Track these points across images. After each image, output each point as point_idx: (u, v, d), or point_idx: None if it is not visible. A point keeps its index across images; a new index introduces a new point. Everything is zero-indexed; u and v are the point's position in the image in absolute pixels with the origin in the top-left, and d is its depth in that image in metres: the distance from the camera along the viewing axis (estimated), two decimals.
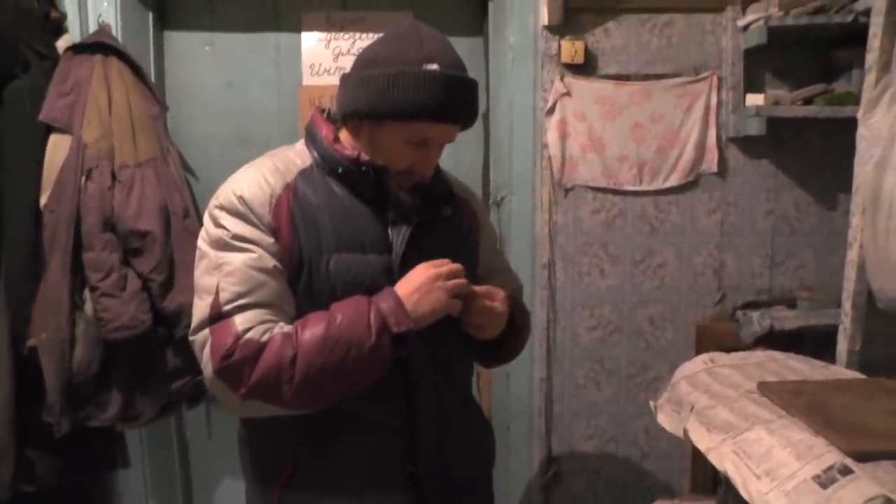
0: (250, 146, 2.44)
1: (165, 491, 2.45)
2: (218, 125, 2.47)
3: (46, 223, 1.94)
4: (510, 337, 1.49)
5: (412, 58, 1.26)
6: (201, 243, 1.32)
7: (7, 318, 1.87)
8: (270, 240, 1.28)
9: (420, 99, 1.24)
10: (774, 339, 2.22)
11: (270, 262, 1.27)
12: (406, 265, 1.33)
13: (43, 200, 1.95)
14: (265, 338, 1.23)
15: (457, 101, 1.28)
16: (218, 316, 1.25)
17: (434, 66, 1.25)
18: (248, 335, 1.22)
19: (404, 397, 1.36)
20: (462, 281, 1.30)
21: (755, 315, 2.28)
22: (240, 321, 1.23)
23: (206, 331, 1.25)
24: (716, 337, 2.32)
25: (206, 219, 1.33)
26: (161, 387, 2.08)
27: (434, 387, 1.39)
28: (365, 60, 1.32)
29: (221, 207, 1.30)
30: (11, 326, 1.88)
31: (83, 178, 1.95)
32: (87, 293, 1.97)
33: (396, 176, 1.34)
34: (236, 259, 1.26)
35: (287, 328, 1.25)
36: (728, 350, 1.84)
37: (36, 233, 1.95)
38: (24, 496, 1.93)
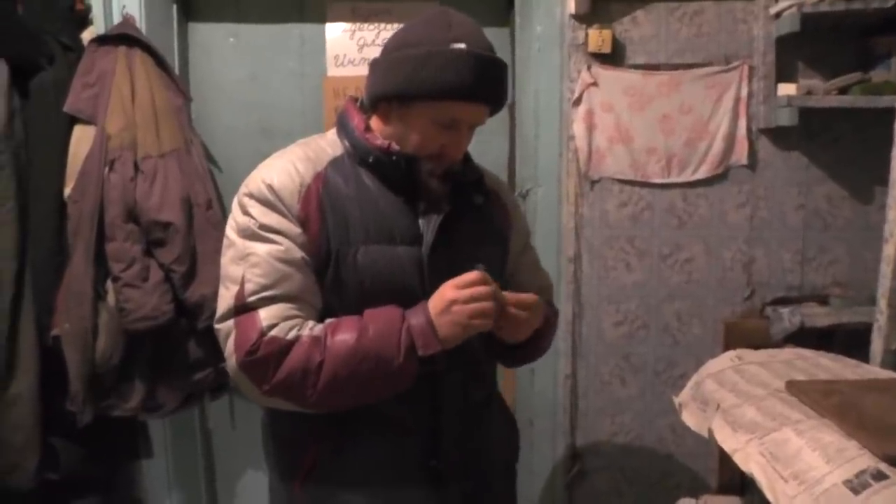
0: (274, 138, 2.43)
1: (188, 481, 2.47)
2: (241, 117, 2.47)
3: (70, 214, 1.95)
4: (536, 339, 1.46)
5: (441, 38, 1.26)
6: (229, 231, 1.32)
7: (32, 308, 1.88)
8: (298, 230, 1.27)
9: (448, 78, 1.24)
10: (805, 337, 2.17)
11: (297, 254, 1.26)
12: (436, 256, 1.32)
13: (67, 191, 1.96)
14: (291, 335, 1.22)
15: (485, 81, 1.27)
16: (243, 307, 1.25)
17: (462, 46, 1.25)
18: (273, 332, 1.22)
19: (428, 393, 1.34)
20: (489, 305, 1.25)
21: (785, 312, 2.23)
22: (265, 315, 1.23)
23: (231, 321, 1.26)
24: (744, 334, 2.27)
25: (235, 206, 1.32)
26: (183, 378, 2.08)
27: (459, 382, 1.38)
28: (394, 44, 1.32)
29: (250, 195, 1.30)
30: (37, 316, 1.89)
31: (106, 169, 1.96)
32: (109, 284, 1.98)
33: (427, 163, 1.32)
34: (262, 250, 1.26)
35: (316, 330, 1.25)
36: (757, 347, 1.80)
37: (60, 224, 1.95)
38: (49, 484, 1.93)
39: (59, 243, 1.95)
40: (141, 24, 2.20)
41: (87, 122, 1.98)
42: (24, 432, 1.85)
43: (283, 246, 1.26)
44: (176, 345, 2.06)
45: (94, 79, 2.01)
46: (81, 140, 1.98)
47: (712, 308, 2.36)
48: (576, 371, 2.39)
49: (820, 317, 2.22)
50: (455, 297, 1.24)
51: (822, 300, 2.31)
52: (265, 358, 1.21)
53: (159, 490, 2.38)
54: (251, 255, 1.26)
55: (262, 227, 1.27)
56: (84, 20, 2.17)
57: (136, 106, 2.03)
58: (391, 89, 1.29)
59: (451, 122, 1.30)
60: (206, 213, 2.06)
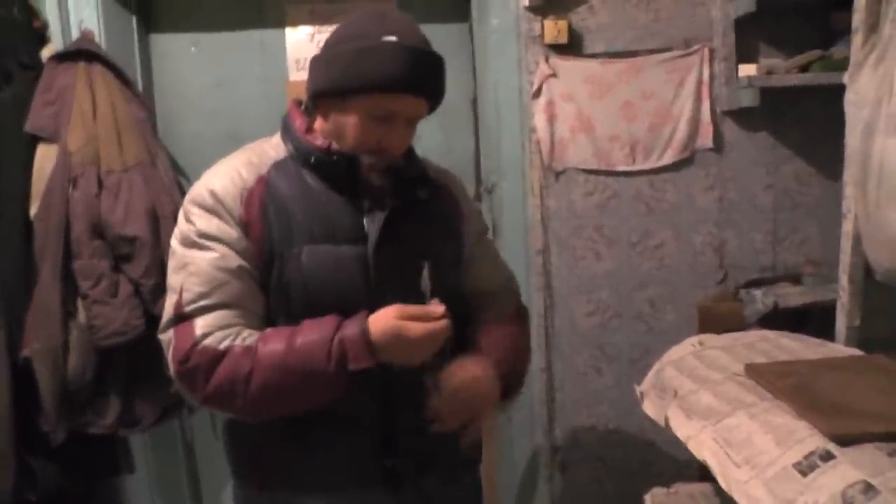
0: (241, 143, 2.36)
1: (172, 494, 2.47)
2: (208, 124, 2.47)
3: (37, 233, 1.96)
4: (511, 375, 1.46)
5: (374, 33, 1.27)
6: (173, 240, 1.33)
7: (3, 329, 1.89)
8: (238, 235, 1.28)
9: (380, 70, 1.25)
10: (780, 318, 2.15)
11: (235, 262, 1.27)
12: (382, 254, 1.32)
13: (33, 211, 1.97)
14: (223, 346, 1.23)
15: (418, 73, 1.28)
16: (181, 317, 1.26)
17: (393, 38, 1.26)
18: (206, 342, 1.22)
19: (380, 390, 1.33)
20: (439, 328, 1.25)
21: (758, 293, 2.22)
22: (200, 325, 1.24)
23: (171, 331, 1.27)
24: (719, 317, 2.26)
25: (180, 215, 1.34)
26: (160, 391, 2.07)
27: (411, 377, 1.34)
28: (330, 41, 1.34)
29: (193, 202, 1.31)
30: (7, 337, 1.89)
31: (70, 186, 1.96)
32: (79, 301, 1.98)
33: (367, 158, 1.32)
34: (200, 258, 1.27)
35: (249, 339, 1.25)
36: (730, 331, 1.79)
37: (27, 243, 1.96)
38: None
39: (26, 263, 1.95)
40: (100, 38, 2.19)
41: (50, 140, 1.98)
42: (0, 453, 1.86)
43: (219, 253, 1.26)
44: (150, 358, 2.04)
45: (54, 96, 2.01)
46: (45, 158, 1.99)
47: (685, 293, 2.36)
48: (551, 364, 2.38)
49: (794, 296, 2.20)
50: (401, 321, 1.23)
51: (796, 279, 2.30)
52: (196, 367, 1.22)
53: None
54: (189, 265, 1.27)
55: (201, 234, 1.28)
56: (42, 37, 2.17)
57: (98, 121, 2.03)
58: (328, 85, 1.30)
59: (386, 115, 1.29)
60: (173, 225, 2.04)
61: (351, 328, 1.23)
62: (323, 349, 1.21)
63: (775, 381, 1.36)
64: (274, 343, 1.23)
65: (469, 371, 1.35)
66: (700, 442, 1.28)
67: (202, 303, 1.25)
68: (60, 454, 2.00)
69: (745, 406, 1.31)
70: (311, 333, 1.23)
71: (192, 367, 1.22)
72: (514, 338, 1.53)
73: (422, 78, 1.29)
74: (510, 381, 1.47)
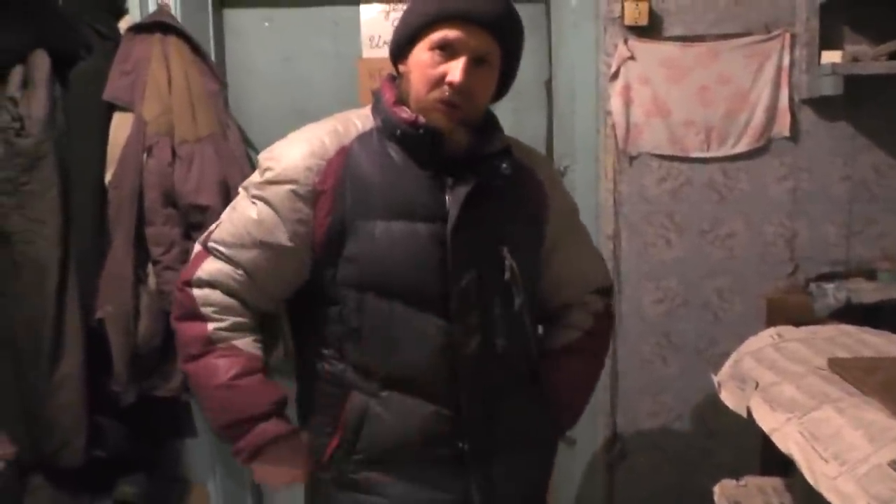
0: (309, 119, 2.38)
1: (232, 459, 2.48)
2: (277, 100, 2.48)
3: (111, 200, 2.00)
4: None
5: None
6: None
7: (77, 293, 1.93)
8: (293, 206, 1.31)
9: (436, 2, 1.27)
10: (851, 314, 2.09)
11: (267, 236, 1.33)
12: (459, 233, 1.31)
13: (108, 178, 2.00)
14: (203, 311, 1.34)
15: (472, 2, 1.27)
16: (204, 243, 1.38)
17: None
18: (195, 291, 1.34)
19: (456, 372, 1.34)
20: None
21: (830, 287, 2.16)
22: (207, 267, 1.35)
23: (198, 248, 1.40)
24: (787, 310, 2.21)
25: (258, 162, 1.38)
26: None
27: (476, 361, 1.35)
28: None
29: (270, 158, 1.35)
30: (81, 300, 1.94)
31: (144, 155, 1.99)
32: (150, 267, 2.02)
33: (436, 97, 1.29)
34: (242, 211, 1.35)
35: (220, 332, 1.34)
36: (800, 324, 1.75)
37: (101, 209, 2.00)
38: (97, 461, 2.00)
39: (100, 229, 2.00)
40: (176, 11, 2.21)
41: (126, 108, 2.01)
42: (73, 412, 1.92)
43: (258, 218, 1.33)
44: None
45: (130, 66, 2.04)
46: (120, 127, 2.02)
47: (754, 284, 2.31)
48: (616, 350, 2.35)
49: (867, 292, 2.14)
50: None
51: (870, 275, 2.24)
52: (179, 302, 1.38)
53: (203, 468, 2.42)
54: (235, 209, 1.38)
55: (258, 195, 1.34)
56: (120, 9, 2.20)
57: (173, 92, 2.05)
58: (398, 36, 1.35)
59: (444, 44, 1.27)
60: None
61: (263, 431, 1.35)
62: (254, 407, 1.34)
63: (863, 376, 1.33)
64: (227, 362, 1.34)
65: None
66: (785, 434, 1.26)
67: (220, 248, 1.34)
68: (128, 416, 2.06)
69: (832, 400, 1.28)
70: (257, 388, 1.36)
71: (175, 300, 1.39)
72: (587, 368, 1.61)
73: (478, 7, 1.27)
74: (572, 415, 1.58)
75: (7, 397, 1.94)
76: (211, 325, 1.33)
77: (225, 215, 1.39)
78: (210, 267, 1.35)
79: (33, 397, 1.90)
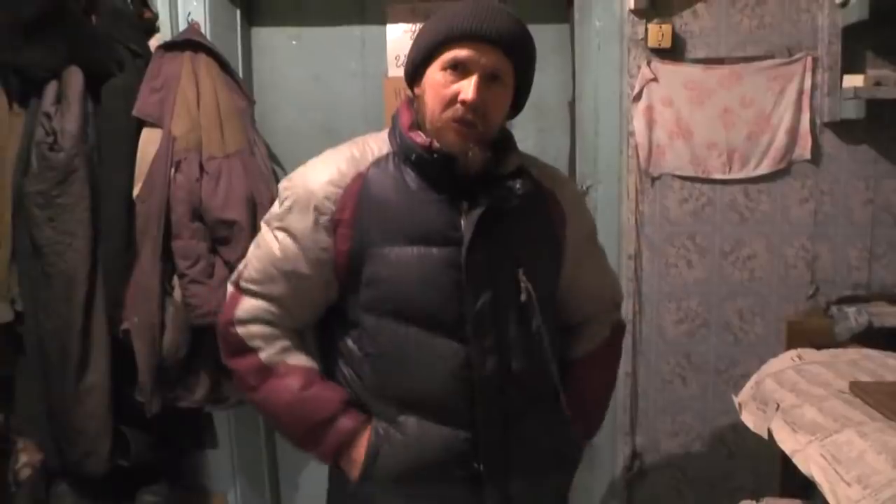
0: (336, 138, 2.41)
1: (252, 471, 2.52)
2: (304, 117, 2.53)
3: (139, 213, 2.02)
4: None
5: (454, 9, 1.32)
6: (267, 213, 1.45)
7: (104, 304, 1.96)
8: (315, 237, 1.34)
9: (447, 23, 1.30)
10: (873, 338, 2.07)
11: (292, 265, 1.37)
12: (474, 255, 1.32)
13: (136, 191, 2.03)
14: (252, 344, 1.39)
15: (481, 21, 1.28)
16: (237, 283, 1.43)
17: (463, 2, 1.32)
18: (240, 331, 1.40)
19: (476, 393, 1.35)
20: None
21: (851, 311, 2.14)
22: (244, 306, 1.41)
23: (230, 287, 1.45)
24: (808, 333, 2.20)
25: (279, 193, 1.41)
26: None
27: (491, 381, 1.36)
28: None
29: (289, 188, 1.38)
30: (108, 311, 1.97)
31: (172, 170, 2.02)
32: (176, 280, 2.04)
33: (450, 116, 1.30)
34: (266, 247, 1.39)
35: (275, 356, 1.39)
36: (820, 347, 1.75)
37: (129, 222, 2.03)
38: (120, 470, 2.02)
39: (127, 241, 2.02)
40: (206, 29, 2.26)
41: (155, 124, 2.04)
42: (98, 420, 1.94)
43: (281, 250, 1.37)
44: None
45: (160, 83, 2.07)
46: (149, 142, 2.04)
47: (775, 306, 2.31)
48: (636, 369, 2.36)
49: (890, 316, 2.13)
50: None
51: (892, 299, 2.22)
52: (225, 340, 1.43)
53: (224, 479, 2.45)
54: (260, 246, 1.42)
55: (280, 225, 1.37)
56: (151, 28, 2.26)
57: (201, 109, 2.08)
58: (411, 61, 1.38)
59: (456, 63, 1.29)
60: None
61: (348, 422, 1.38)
62: (326, 410, 1.37)
63: (886, 400, 1.33)
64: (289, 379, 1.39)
65: None
66: (807, 456, 1.26)
67: (252, 287, 1.40)
68: (151, 426, 2.07)
69: (854, 424, 1.28)
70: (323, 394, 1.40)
71: (224, 337, 1.43)
72: (607, 376, 1.64)
73: (487, 26, 1.28)
74: (596, 421, 1.60)
75: (34, 405, 1.98)
76: (262, 354, 1.39)
77: (251, 253, 1.43)
78: (246, 305, 1.40)
79: (60, 406, 1.93)
